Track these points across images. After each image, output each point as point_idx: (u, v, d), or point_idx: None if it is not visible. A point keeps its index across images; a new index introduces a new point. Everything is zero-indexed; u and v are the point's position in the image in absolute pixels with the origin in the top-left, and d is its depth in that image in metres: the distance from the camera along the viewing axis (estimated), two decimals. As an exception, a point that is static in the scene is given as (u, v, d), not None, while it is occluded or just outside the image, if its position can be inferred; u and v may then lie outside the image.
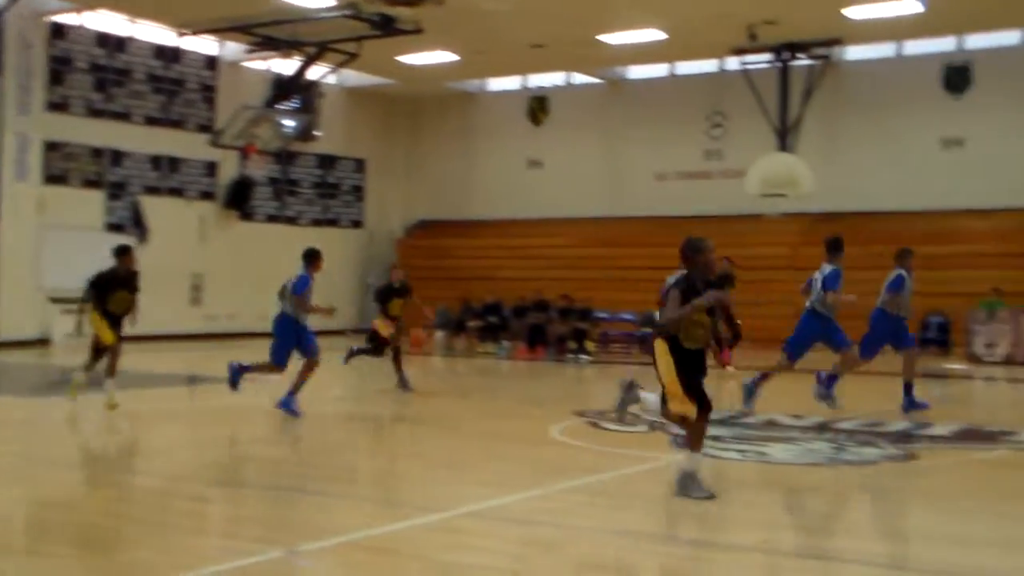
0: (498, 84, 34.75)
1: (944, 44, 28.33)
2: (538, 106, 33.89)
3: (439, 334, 27.23)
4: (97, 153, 26.93)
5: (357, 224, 34.20)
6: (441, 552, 6.53)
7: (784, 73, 27.58)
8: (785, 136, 27.68)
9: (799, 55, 27.37)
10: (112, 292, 13.20)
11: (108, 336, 13.17)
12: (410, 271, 33.51)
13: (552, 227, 32.32)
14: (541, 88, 33.96)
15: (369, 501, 8.33)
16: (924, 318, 25.50)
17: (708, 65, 30.95)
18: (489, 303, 26.94)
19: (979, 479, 9.47)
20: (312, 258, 12.84)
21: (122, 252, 13.44)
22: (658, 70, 32.06)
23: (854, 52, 29.21)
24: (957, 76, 27.99)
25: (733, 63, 28.94)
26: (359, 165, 34.11)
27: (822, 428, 11.96)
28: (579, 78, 33.13)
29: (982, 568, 6.32)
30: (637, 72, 32.38)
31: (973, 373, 21.17)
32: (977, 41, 27.91)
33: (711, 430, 11.73)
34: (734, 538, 7.18)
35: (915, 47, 28.65)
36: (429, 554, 6.48)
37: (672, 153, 31.36)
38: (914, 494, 8.95)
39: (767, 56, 27.54)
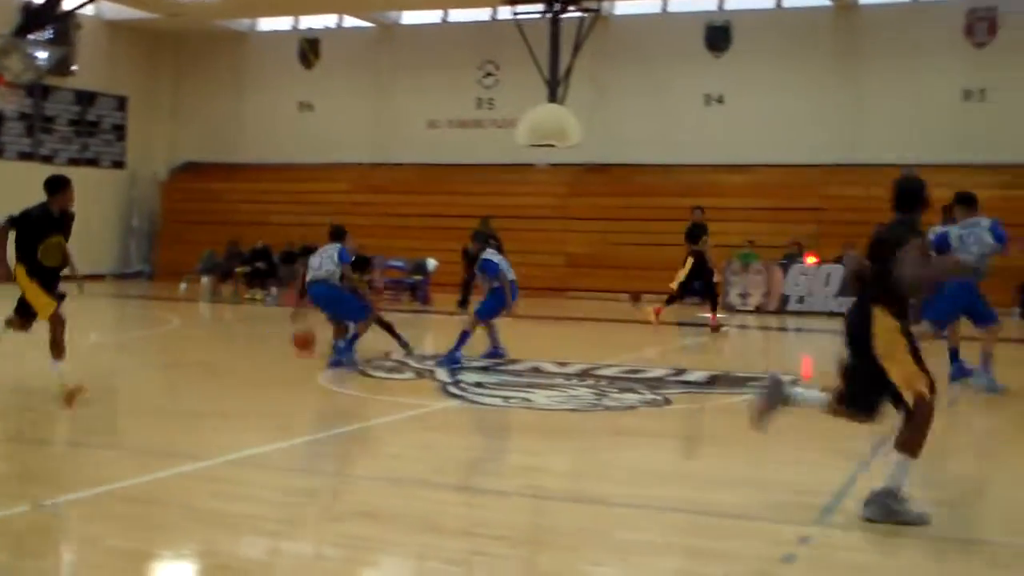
0: (269, 24, 33.92)
1: (706, 3, 29.29)
2: (309, 48, 33.27)
3: (204, 280, 26.58)
4: None
5: (118, 165, 32.85)
6: (204, 500, 6.44)
7: (555, 24, 27.93)
8: (555, 87, 28.08)
9: (570, 7, 27.77)
10: (43, 238, 9.77)
11: (45, 306, 9.78)
12: (176, 215, 32.95)
13: (324, 172, 31.91)
14: (312, 30, 33.32)
15: (129, 451, 8.09)
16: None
17: (481, 13, 31.05)
18: (257, 248, 26.44)
19: (727, 423, 9.94)
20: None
21: (58, 186, 9.88)
22: (431, 16, 31.97)
23: (623, 7, 29.84)
24: (718, 35, 29.01)
25: (505, 12, 29.12)
26: (120, 103, 32.72)
27: (584, 375, 12.30)
28: (351, 21, 32.69)
29: (722, 504, 6.67)
30: (410, 17, 32.20)
31: (728, 322, 22.15)
32: (736, 2, 28.99)
33: (475, 376, 11.97)
34: (500, 483, 7.34)
35: (680, 4, 29.51)
36: (192, 503, 6.37)
37: (444, 101, 31.38)
38: (668, 437, 9.34)
39: (539, 7, 27.83)
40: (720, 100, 29.00)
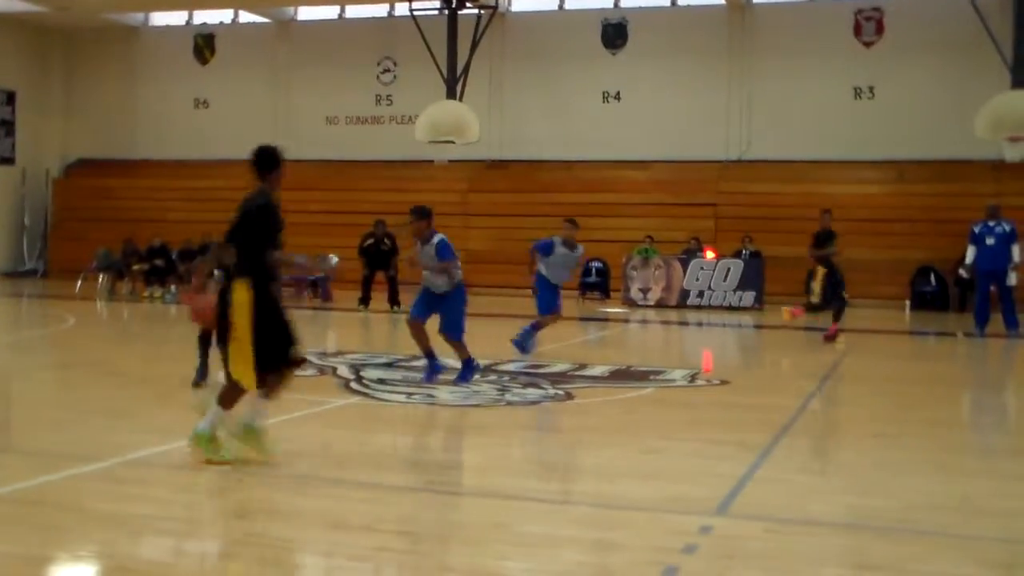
0: (162, 19, 33.35)
1: (603, 1, 29.53)
2: (204, 44, 32.80)
3: (101, 278, 26.06)
4: None
5: (7, 161, 32.04)
6: (101, 502, 6.31)
7: (453, 21, 27.92)
8: (454, 84, 28.07)
9: (467, 3, 27.79)
10: None
11: None
12: (70, 212, 32.21)
13: (221, 168, 31.40)
14: (207, 25, 32.86)
15: (21, 453, 7.89)
16: (586, 264, 26.68)
17: (378, 9, 30.94)
18: (155, 246, 25.97)
19: (629, 416, 10.05)
20: None
21: None
22: (328, 12, 31.73)
23: (520, 3, 29.96)
24: (614, 32, 29.25)
25: (403, 8, 29.04)
26: (9, 97, 31.92)
27: (487, 370, 12.32)
28: (247, 16, 32.30)
29: (624, 496, 6.74)
30: (307, 13, 31.92)
31: (629, 316, 22.38)
32: (631, 0, 29.28)
33: (377, 373, 11.92)
34: (404, 479, 7.32)
35: (576, 2, 29.74)
36: (88, 504, 6.25)
37: (343, 97, 31.18)
38: (571, 431, 9.40)
39: (436, 3, 27.81)
40: (617, 97, 29.26)
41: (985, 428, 10.29)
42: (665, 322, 21.68)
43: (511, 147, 29.01)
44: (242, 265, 7.21)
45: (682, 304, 24.20)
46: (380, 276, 22.26)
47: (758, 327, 20.90)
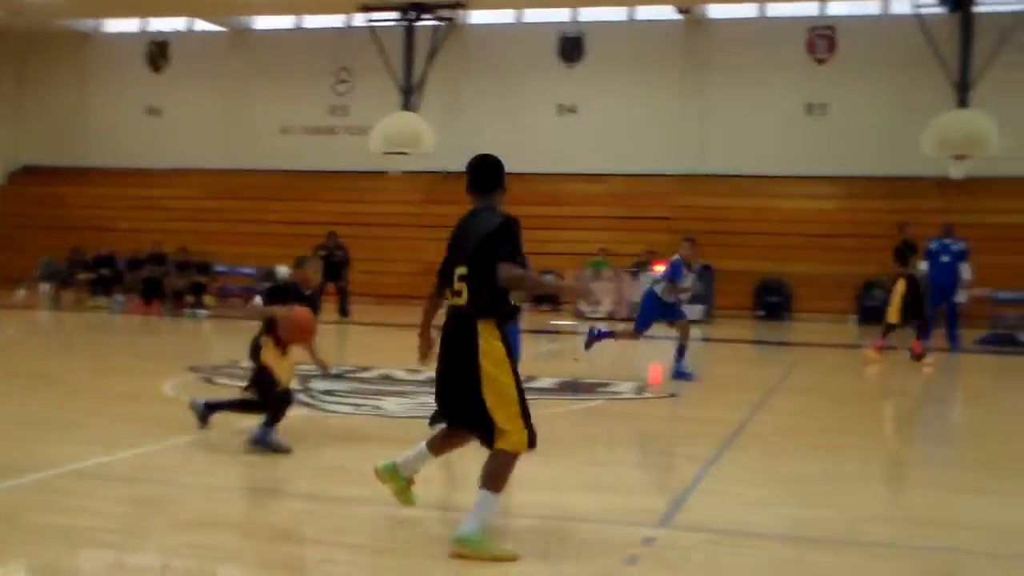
0: (115, 25, 33.12)
1: (559, 15, 29.65)
2: (158, 51, 32.60)
3: (44, 287, 25.77)
4: None
5: (-47, 167, 31.70)
6: (41, 514, 6.24)
7: (410, 32, 27.94)
8: (410, 95, 28.07)
9: (424, 16, 27.82)
10: None
11: None
12: (14, 220, 31.82)
13: (172, 178, 31.29)
14: (161, 33, 32.67)
15: (-39, 464, 7.78)
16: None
17: (335, 20, 30.90)
18: (101, 255, 25.73)
19: (576, 428, 10.07)
20: None
21: None
22: (285, 22, 31.65)
23: (478, 16, 30.02)
24: (571, 46, 29.40)
25: (360, 20, 29.01)
26: (-43, 103, 31.59)
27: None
28: (202, 25, 32.15)
29: (570, 508, 6.76)
30: (263, 23, 31.82)
31: (579, 329, 22.39)
32: (589, 14, 29.42)
33: (325, 384, 11.87)
34: (351, 491, 7.28)
35: (534, 15, 29.83)
36: (25, 517, 6.17)
37: (297, 107, 31.10)
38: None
39: (393, 15, 27.82)
40: (573, 110, 29.39)
41: (928, 440, 10.40)
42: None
43: (466, 159, 28.85)
44: (484, 301, 5.76)
45: (632, 317, 24.22)
46: (331, 287, 22.19)
47: (707, 340, 21.00)
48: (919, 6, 25.63)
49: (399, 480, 6.23)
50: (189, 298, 23.73)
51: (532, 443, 5.76)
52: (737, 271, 25.40)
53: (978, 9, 25.31)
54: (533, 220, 24.54)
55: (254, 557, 5.63)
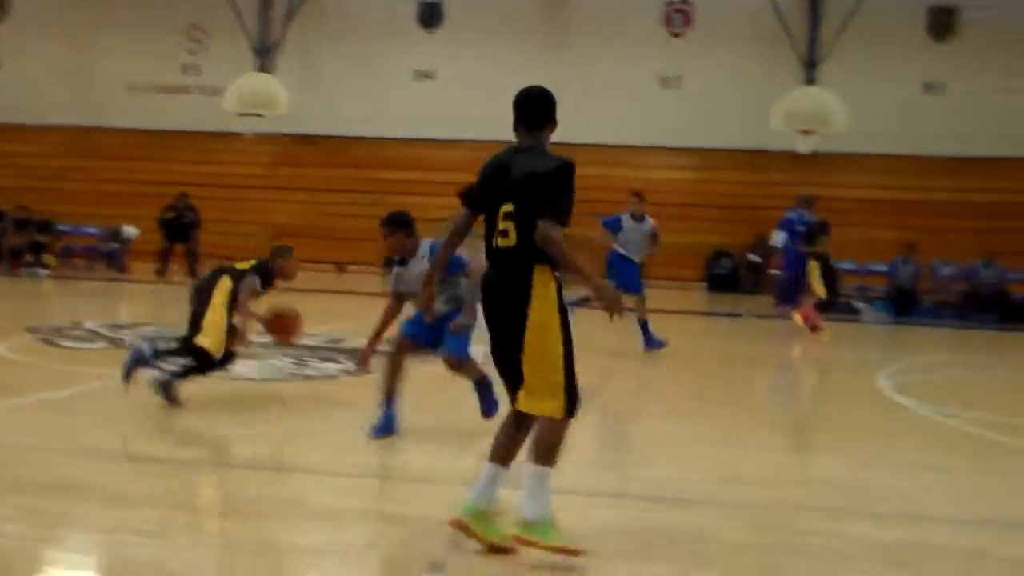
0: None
1: (419, -21, 29.43)
2: (-1, 0, 31.30)
3: None
4: None
5: None
6: None
7: (266, -8, 27.44)
8: (265, 56, 27.57)
9: (281, -26, 27.34)
10: None
11: None
12: None
13: (11, 133, 30.09)
14: (2, -19, 31.36)
15: None
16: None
17: (187, -25, 30.09)
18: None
19: (424, 389, 10.06)
20: None
21: None
22: (134, -25, 30.69)
23: (335, -22, 29.62)
24: (430, 11, 29.21)
25: (214, -24, 28.35)
26: None
27: (286, 345, 12.13)
28: (45, -25, 30.96)
29: (416, 468, 6.76)
30: (111, -25, 30.79)
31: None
32: (448, -21, 29.29)
33: (170, 346, 11.60)
34: (196, 453, 7.16)
35: (393, -21, 29.55)
36: None
37: (148, 65, 30.20)
38: (367, 406, 9.34)
39: (249, -29, 27.27)
40: (430, 76, 29.24)
41: (765, 403, 10.69)
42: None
43: (322, 122, 28.62)
44: (534, 249, 5.02)
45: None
46: (180, 249, 21.78)
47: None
48: (771, -15, 26.21)
49: (483, 522, 5.15)
50: (28, 257, 22.90)
51: (572, 411, 5.07)
52: (591, 239, 25.69)
53: (825, -10, 26.04)
54: (388, 185, 24.68)
55: (93, 520, 5.47)
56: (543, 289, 5.02)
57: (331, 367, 10.91)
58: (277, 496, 6.08)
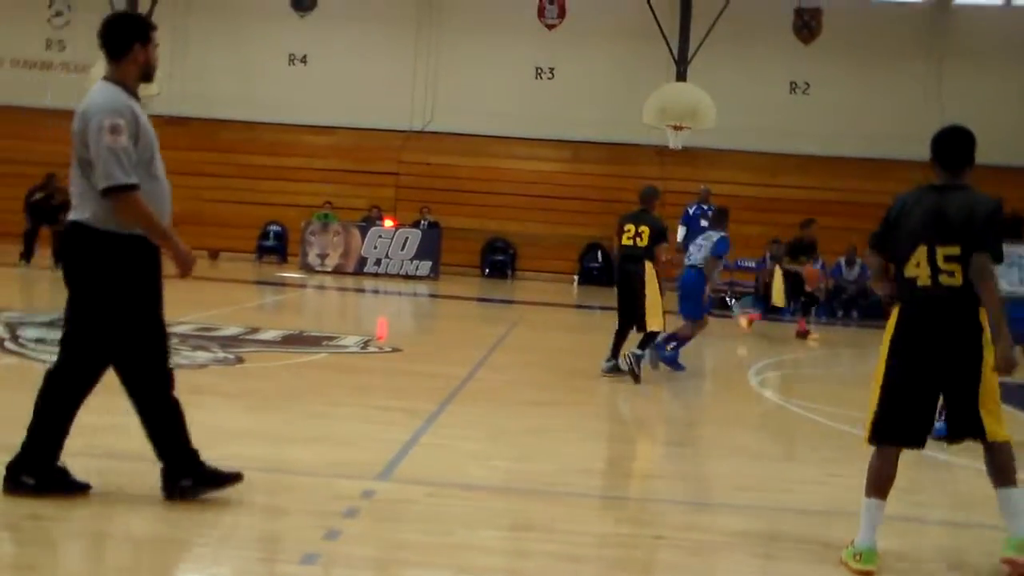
0: None
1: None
2: None
3: None
4: None
5: None
6: None
7: (135, -32, 26.78)
8: (133, 34, 26.91)
9: (151, -50, 26.72)
10: None
11: None
12: None
13: None
14: None
15: None
16: (264, 227, 26.34)
17: (51, -51, 29.21)
18: None
19: (298, 381, 10.03)
20: None
21: None
22: (-4, -55, 29.67)
23: (207, -42, 29.06)
24: (304, -5, 28.93)
25: (81, -51, 27.59)
26: None
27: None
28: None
29: (289, 461, 6.74)
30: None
31: (306, 282, 22.25)
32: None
33: (36, 332, 11.35)
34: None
35: (266, -39, 29.13)
36: None
37: (8, 39, 29.24)
38: (239, 396, 9.29)
39: (118, -53, 26.59)
40: (304, 60, 28.95)
41: (635, 397, 10.88)
42: (341, 289, 21.70)
43: (193, 104, 28.09)
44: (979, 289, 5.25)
45: (359, 271, 24.28)
46: (47, 231, 21.17)
47: (433, 296, 21.29)
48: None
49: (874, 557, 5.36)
50: None
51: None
52: (465, 229, 25.81)
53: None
54: (260, 170, 24.40)
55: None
56: (987, 332, 5.25)
57: (202, 355, 10.78)
58: (149, 487, 6.01)
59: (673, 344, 12.18)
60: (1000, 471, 5.34)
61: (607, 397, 10.40)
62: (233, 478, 5.80)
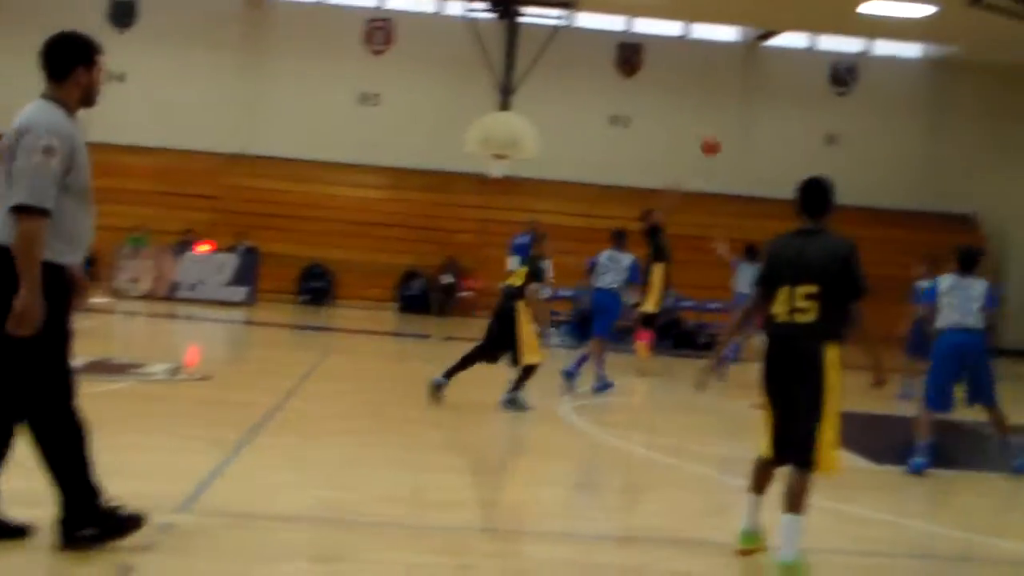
0: None
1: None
2: None
3: None
4: None
5: None
6: None
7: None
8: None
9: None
10: None
11: None
12: None
13: None
14: None
15: None
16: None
17: None
18: None
19: (100, 410, 9.65)
20: None
21: None
22: None
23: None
24: (121, 10, 28.15)
25: None
26: None
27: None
28: None
29: (152, 496, 6.47)
30: None
31: (115, 307, 21.53)
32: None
33: None
34: None
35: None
36: None
37: None
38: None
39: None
40: (121, 78, 28.13)
41: (445, 426, 10.85)
42: (152, 315, 21.08)
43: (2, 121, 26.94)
44: (833, 323, 5.86)
45: (172, 296, 23.63)
46: None
47: (248, 323, 20.89)
48: (470, 10, 26.80)
49: (758, 540, 6.08)
50: None
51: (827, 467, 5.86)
52: (284, 255, 25.44)
53: (522, 19, 26.83)
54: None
55: None
56: (834, 364, 5.85)
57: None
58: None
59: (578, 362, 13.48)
60: (793, 497, 5.72)
61: (417, 426, 10.34)
62: (135, 521, 5.49)
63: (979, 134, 29.08)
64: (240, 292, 23.73)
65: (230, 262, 23.95)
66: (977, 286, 9.51)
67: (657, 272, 15.40)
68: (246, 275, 23.97)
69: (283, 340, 18.90)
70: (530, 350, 11.36)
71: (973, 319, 9.43)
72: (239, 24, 28.48)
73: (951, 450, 10.46)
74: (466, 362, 11.50)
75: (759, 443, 6.11)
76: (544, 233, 13.54)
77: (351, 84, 28.43)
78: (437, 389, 11.20)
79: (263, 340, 18.92)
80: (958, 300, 9.45)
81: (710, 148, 17.33)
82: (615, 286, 13.90)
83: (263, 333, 19.67)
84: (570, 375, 13.46)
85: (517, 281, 11.59)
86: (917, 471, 9.16)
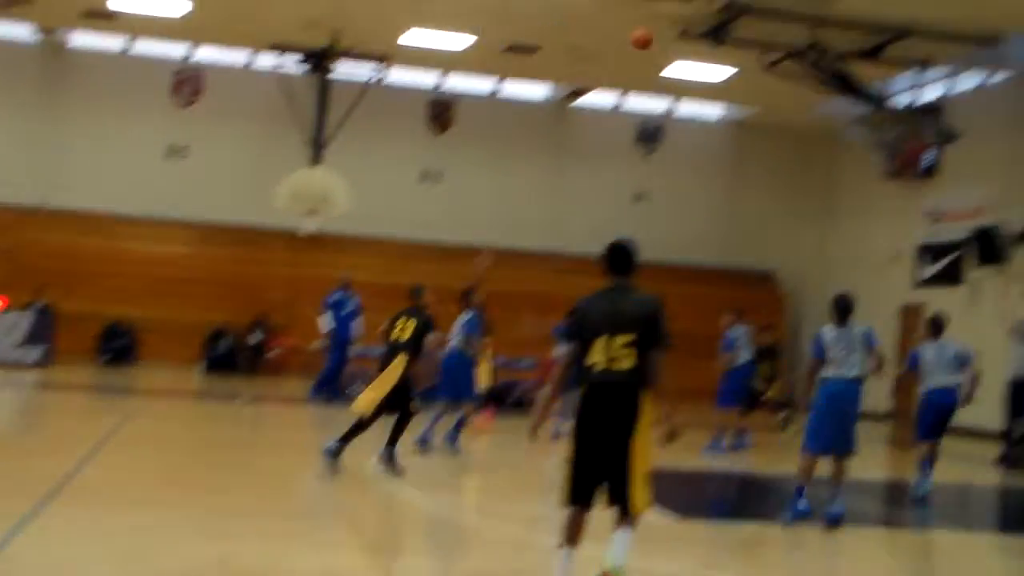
0: None
1: None
2: None
3: None
4: None
5: None
6: None
7: None
8: None
9: None
10: None
11: None
12: None
13: None
14: None
15: None
16: None
17: None
18: None
19: None
20: None
21: None
22: None
23: None
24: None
25: None
26: None
27: None
28: None
29: None
30: None
31: None
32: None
33: None
34: None
35: None
36: None
37: None
38: None
39: None
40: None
41: (250, 490, 10.49)
42: None
43: None
44: (647, 372, 6.34)
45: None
46: None
47: (43, 386, 19.92)
48: (280, 66, 26.48)
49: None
50: None
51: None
52: (83, 313, 24.42)
53: (334, 75, 26.64)
54: None
55: None
56: (649, 410, 6.39)
57: None
58: None
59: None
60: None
61: (217, 492, 9.96)
62: None
63: (774, 193, 30.21)
64: (34, 353, 22.61)
65: (23, 321, 22.81)
66: (857, 333, 9.98)
67: (488, 348, 16.21)
68: (41, 334, 22.86)
69: (80, 403, 18.06)
70: (366, 400, 11.21)
71: (855, 369, 9.91)
72: (39, 72, 27.43)
73: (754, 502, 10.65)
74: (358, 429, 11.23)
75: (561, 494, 6.37)
76: (423, 286, 13.14)
77: (158, 136, 27.65)
78: (333, 456, 11.02)
79: (58, 404, 18.01)
80: (841, 352, 9.89)
81: (643, 41, 16.03)
82: (457, 346, 13.88)
83: (59, 396, 18.76)
84: (452, 440, 13.66)
85: (404, 335, 11.60)
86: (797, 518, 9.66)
